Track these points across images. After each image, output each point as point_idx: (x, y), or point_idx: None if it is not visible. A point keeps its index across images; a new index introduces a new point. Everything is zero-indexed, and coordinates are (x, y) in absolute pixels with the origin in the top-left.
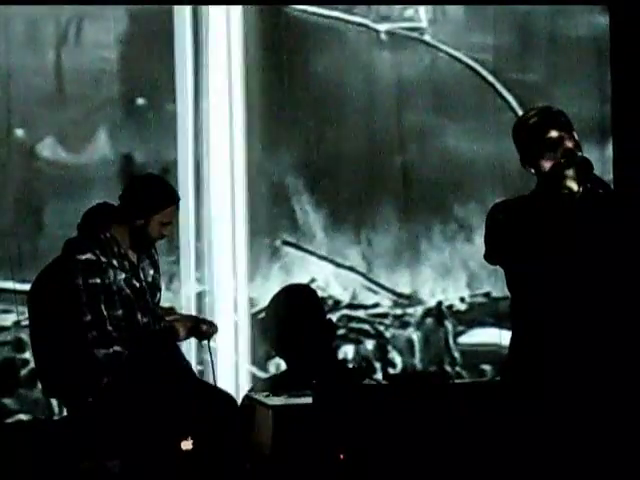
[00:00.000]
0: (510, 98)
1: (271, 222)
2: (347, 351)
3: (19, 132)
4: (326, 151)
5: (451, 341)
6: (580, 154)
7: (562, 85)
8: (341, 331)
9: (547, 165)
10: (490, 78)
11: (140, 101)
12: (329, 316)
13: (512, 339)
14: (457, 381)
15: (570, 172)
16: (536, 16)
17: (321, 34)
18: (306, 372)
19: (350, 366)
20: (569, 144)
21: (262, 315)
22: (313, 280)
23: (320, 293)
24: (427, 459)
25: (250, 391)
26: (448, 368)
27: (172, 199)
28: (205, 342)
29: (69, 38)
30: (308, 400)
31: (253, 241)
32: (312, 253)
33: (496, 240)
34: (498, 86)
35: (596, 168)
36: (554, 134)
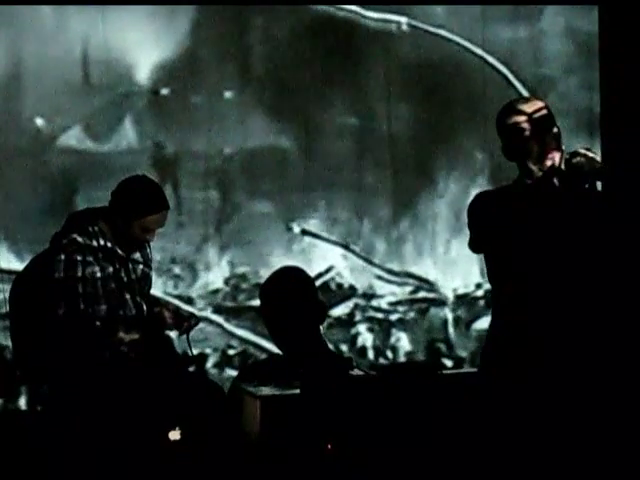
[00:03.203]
0: (524, 91)
1: (288, 210)
2: (365, 339)
3: (46, 122)
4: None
5: (464, 328)
6: None
7: (572, 78)
8: (357, 319)
9: (552, 157)
10: (504, 70)
11: (164, 91)
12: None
13: (491, 328)
14: (448, 371)
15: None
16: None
17: (339, 26)
18: (293, 356)
19: (338, 355)
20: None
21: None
22: (331, 268)
23: (337, 280)
24: (416, 449)
25: (238, 376)
26: (463, 354)
27: (156, 208)
28: (184, 336)
29: (95, 29)
30: (296, 390)
31: (271, 228)
32: (328, 240)
33: (480, 230)
34: (512, 78)
35: None
36: (556, 130)
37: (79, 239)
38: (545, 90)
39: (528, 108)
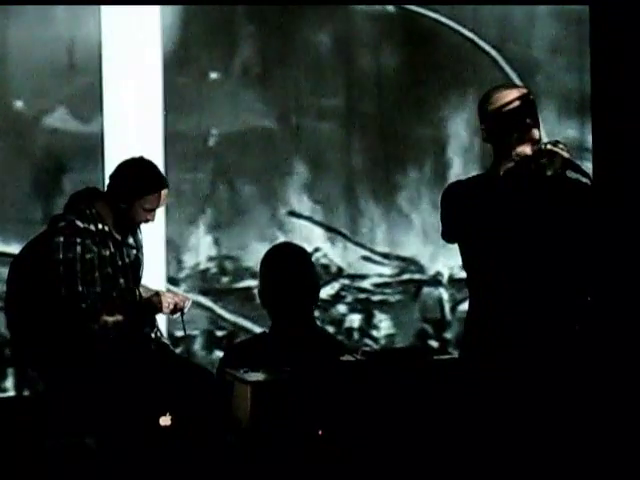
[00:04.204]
0: (509, 71)
1: (275, 191)
2: (352, 320)
3: (31, 103)
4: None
5: (453, 309)
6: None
7: (559, 58)
8: (343, 300)
9: (522, 149)
10: (491, 51)
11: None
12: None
13: (468, 317)
14: (437, 357)
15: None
16: None
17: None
18: (283, 333)
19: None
20: (537, 134)
21: None
22: (317, 249)
23: (324, 262)
24: (407, 435)
25: (223, 360)
26: (449, 336)
27: (156, 186)
28: (178, 315)
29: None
30: (286, 376)
31: (258, 209)
32: (315, 222)
33: (453, 220)
34: (499, 59)
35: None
36: (528, 121)
37: (77, 222)
38: (534, 72)
39: (498, 101)
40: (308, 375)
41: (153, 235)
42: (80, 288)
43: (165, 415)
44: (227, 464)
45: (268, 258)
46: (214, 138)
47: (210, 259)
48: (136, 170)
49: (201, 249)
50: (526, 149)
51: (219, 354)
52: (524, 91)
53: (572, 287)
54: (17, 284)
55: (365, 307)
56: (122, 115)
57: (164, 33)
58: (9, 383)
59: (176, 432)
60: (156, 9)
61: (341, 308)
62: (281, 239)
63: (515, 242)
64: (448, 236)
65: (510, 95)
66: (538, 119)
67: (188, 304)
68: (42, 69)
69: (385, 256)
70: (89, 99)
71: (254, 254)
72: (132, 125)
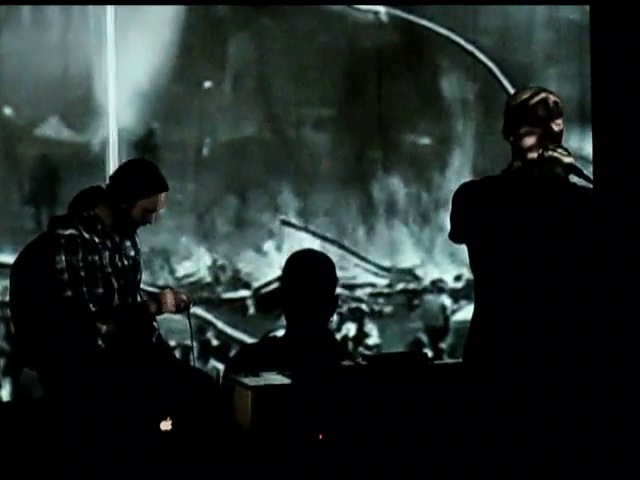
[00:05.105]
0: (504, 80)
1: (268, 201)
2: (348, 329)
3: (24, 112)
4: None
5: (447, 319)
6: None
7: (555, 66)
8: (339, 310)
9: (523, 154)
10: (485, 60)
11: (144, 81)
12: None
13: (473, 320)
14: (437, 362)
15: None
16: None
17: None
18: (298, 338)
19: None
20: (533, 138)
21: (265, 290)
22: None
23: None
24: (407, 440)
25: (230, 364)
26: (442, 345)
27: (157, 188)
28: (184, 314)
29: (75, 20)
30: (288, 381)
31: (251, 219)
32: (308, 231)
33: (463, 221)
34: (492, 67)
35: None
36: (525, 129)
37: (77, 225)
38: (532, 80)
39: (508, 103)
40: (309, 380)
41: None
42: (84, 289)
43: (166, 420)
44: (228, 469)
45: (292, 262)
46: (209, 147)
47: (202, 269)
48: (137, 171)
49: (195, 259)
50: (529, 153)
51: (214, 363)
52: (526, 95)
53: (575, 290)
54: (20, 286)
55: (360, 316)
56: (119, 123)
57: (157, 41)
58: (5, 392)
59: (177, 437)
60: (153, 14)
61: (335, 317)
62: (275, 249)
63: (516, 245)
64: (455, 236)
65: (516, 99)
66: (543, 122)
67: (193, 302)
68: (37, 77)
69: (380, 266)
70: (85, 108)
71: (248, 264)
72: (128, 134)
